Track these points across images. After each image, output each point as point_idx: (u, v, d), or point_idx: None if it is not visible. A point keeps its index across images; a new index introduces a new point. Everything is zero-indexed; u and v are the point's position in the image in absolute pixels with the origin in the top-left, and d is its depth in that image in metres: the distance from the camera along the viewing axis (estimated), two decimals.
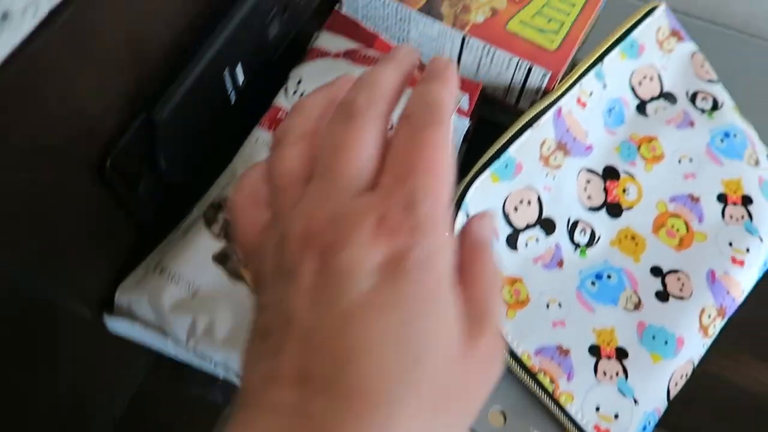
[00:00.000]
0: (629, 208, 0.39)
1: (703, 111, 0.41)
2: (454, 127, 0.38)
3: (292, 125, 0.21)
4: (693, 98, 0.42)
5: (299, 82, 0.35)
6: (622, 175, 0.39)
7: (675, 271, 0.38)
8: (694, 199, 0.39)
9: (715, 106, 0.41)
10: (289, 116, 0.21)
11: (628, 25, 0.41)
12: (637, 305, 0.37)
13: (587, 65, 0.39)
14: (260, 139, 0.33)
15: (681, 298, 0.37)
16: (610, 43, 0.40)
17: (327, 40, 0.37)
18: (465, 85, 0.37)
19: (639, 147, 0.40)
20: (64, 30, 0.22)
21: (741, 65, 0.50)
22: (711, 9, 0.61)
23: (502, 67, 0.39)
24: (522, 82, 0.39)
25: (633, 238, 0.39)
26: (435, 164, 0.18)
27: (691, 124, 0.41)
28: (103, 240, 0.31)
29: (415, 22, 0.40)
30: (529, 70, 0.38)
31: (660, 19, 0.41)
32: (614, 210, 0.39)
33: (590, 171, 0.39)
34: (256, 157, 0.32)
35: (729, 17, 0.61)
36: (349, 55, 0.36)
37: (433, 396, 0.17)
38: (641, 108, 0.41)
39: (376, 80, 0.20)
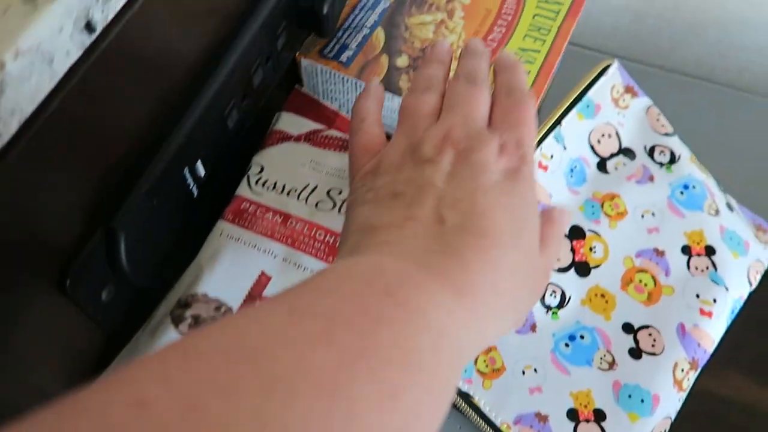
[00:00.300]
0: (597, 266, 0.40)
1: (661, 165, 0.42)
2: None
3: (426, 77, 0.29)
4: (651, 152, 0.43)
5: (261, 170, 0.35)
6: (588, 234, 0.40)
7: (646, 327, 0.38)
8: (659, 253, 0.40)
9: (673, 159, 0.42)
10: (422, 70, 0.30)
11: (583, 86, 0.42)
12: (612, 364, 0.37)
13: (546, 129, 0.40)
14: (224, 232, 0.33)
15: (653, 354, 0.37)
16: (566, 105, 0.41)
17: (288, 122, 0.38)
18: None
19: (602, 205, 0.41)
20: (24, 152, 0.22)
21: (695, 109, 0.52)
22: (663, 55, 0.64)
23: None
24: None
25: (603, 295, 0.39)
26: (532, 122, 0.28)
27: (651, 178, 0.42)
28: (67, 348, 0.30)
29: None
30: None
31: (613, 77, 0.43)
32: (582, 269, 0.40)
33: None
34: (221, 251, 0.32)
35: (681, 63, 0.64)
36: (310, 137, 0.37)
37: (527, 256, 0.25)
38: (601, 165, 0.42)
39: (479, 64, 0.30)
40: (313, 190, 0.34)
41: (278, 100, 0.41)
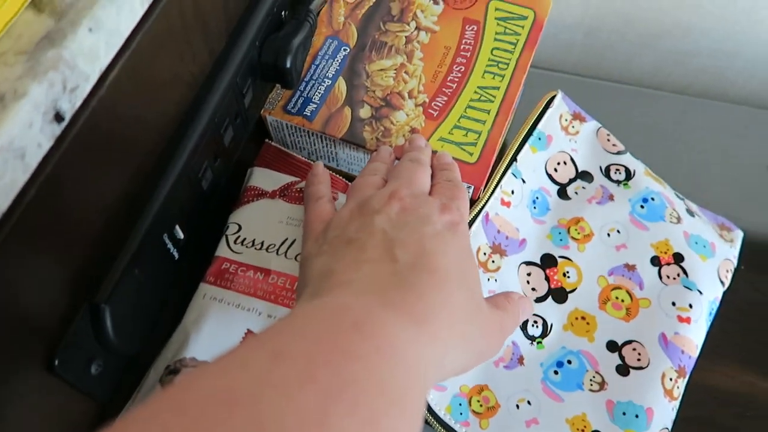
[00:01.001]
0: (573, 290, 0.41)
1: (618, 182, 0.44)
2: None
3: (372, 167, 0.35)
4: (607, 172, 0.44)
5: (239, 229, 0.35)
6: (559, 260, 0.41)
7: (629, 342, 0.39)
8: (630, 268, 0.41)
9: (629, 175, 0.44)
10: (368, 164, 0.36)
11: (532, 120, 0.43)
12: (602, 384, 0.38)
13: (503, 168, 0.41)
14: (207, 294, 0.33)
15: (640, 368, 0.38)
16: (519, 141, 0.43)
17: (261, 177, 0.39)
18: None
19: (568, 230, 0.42)
20: (4, 245, 0.22)
21: (653, 118, 0.53)
22: (620, 68, 0.66)
23: None
24: None
25: (583, 318, 0.40)
26: (466, 200, 0.33)
27: (611, 197, 0.43)
28: (61, 423, 0.30)
29: (342, 147, 0.42)
30: None
31: (560, 107, 0.44)
32: (559, 295, 0.41)
33: (529, 263, 0.41)
34: (205, 314, 0.32)
35: (639, 74, 0.66)
36: (285, 192, 0.37)
37: (473, 297, 0.28)
38: (562, 192, 0.44)
39: (422, 152, 0.36)
40: (291, 244, 0.34)
41: (248, 154, 0.41)
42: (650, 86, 0.66)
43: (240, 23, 0.37)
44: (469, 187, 0.40)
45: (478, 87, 0.43)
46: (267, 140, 0.41)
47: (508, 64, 0.44)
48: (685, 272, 0.41)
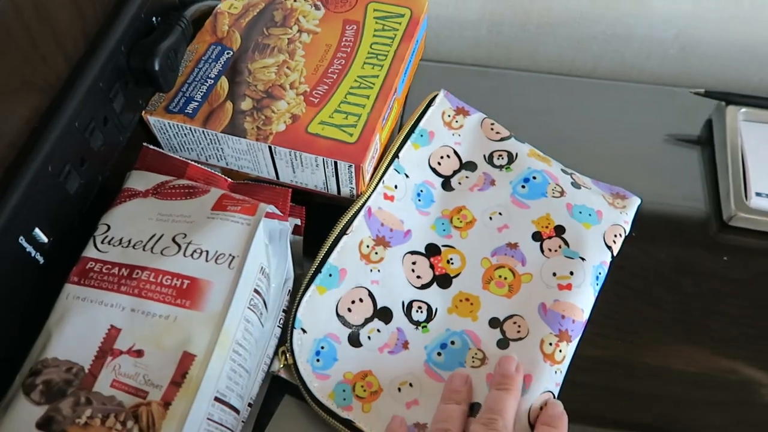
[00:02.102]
0: (457, 275, 0.41)
1: (501, 167, 0.45)
2: (278, 229, 0.39)
3: (452, 397, 0.36)
4: (490, 159, 0.46)
5: (107, 230, 0.35)
6: (443, 249, 0.42)
7: (510, 317, 0.40)
8: (512, 246, 0.42)
9: (511, 159, 0.45)
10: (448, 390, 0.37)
11: (414, 118, 0.45)
12: (483, 360, 0.38)
13: (384, 165, 0.43)
14: (71, 294, 0.33)
15: (519, 339, 0.39)
16: (400, 140, 0.44)
17: (137, 179, 0.39)
18: (274, 194, 0.39)
19: (451, 220, 0.43)
20: None
21: (562, 102, 0.55)
22: (526, 58, 0.68)
23: (312, 167, 0.42)
24: (334, 175, 0.42)
25: (467, 299, 0.41)
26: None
27: (493, 183, 0.44)
28: None
29: (225, 141, 0.42)
30: (335, 164, 0.41)
31: (442, 104, 0.46)
32: (444, 281, 0.41)
33: (414, 253, 0.42)
34: (68, 313, 0.32)
35: (545, 62, 0.68)
36: (157, 190, 0.38)
37: None
38: (446, 184, 0.45)
39: (513, 382, 0.36)
40: (159, 239, 0.35)
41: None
42: (559, 73, 0.68)
43: (101, 29, 0.37)
44: (350, 165, 0.40)
45: (358, 76, 0.44)
46: (145, 144, 0.41)
47: (386, 56, 0.45)
48: (566, 243, 0.42)
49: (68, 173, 0.35)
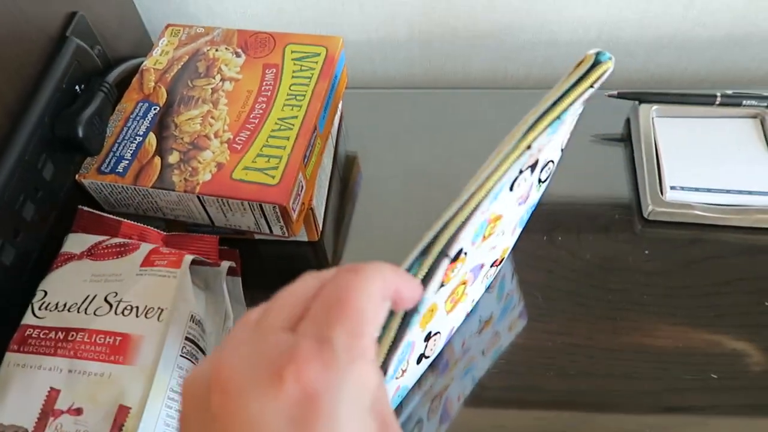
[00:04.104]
0: None
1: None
2: (212, 275, 0.42)
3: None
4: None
5: (45, 295, 0.38)
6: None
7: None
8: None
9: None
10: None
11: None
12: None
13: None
14: (11, 362, 0.35)
15: None
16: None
17: (73, 242, 0.41)
18: (204, 242, 0.42)
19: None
20: None
21: (483, 115, 0.58)
22: (460, 72, 0.70)
23: (241, 210, 0.44)
24: (263, 216, 0.44)
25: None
26: (355, 317, 0.19)
27: (526, 199, 0.38)
28: None
29: (156, 195, 0.44)
30: (261, 207, 0.43)
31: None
32: None
33: None
34: (10, 380, 0.34)
35: (480, 74, 0.70)
36: (92, 251, 0.40)
37: None
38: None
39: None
40: (92, 300, 0.37)
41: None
42: (494, 85, 0.70)
43: (23, 104, 0.40)
44: (275, 206, 0.42)
45: (278, 119, 0.46)
46: (80, 206, 0.43)
47: (304, 96, 0.48)
48: None
49: (2, 247, 0.37)
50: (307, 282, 0.22)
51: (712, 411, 0.42)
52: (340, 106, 0.58)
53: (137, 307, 0.36)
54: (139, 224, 0.43)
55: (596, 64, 0.32)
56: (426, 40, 0.67)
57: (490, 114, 0.58)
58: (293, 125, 0.46)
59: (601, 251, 0.49)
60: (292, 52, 0.50)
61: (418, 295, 0.26)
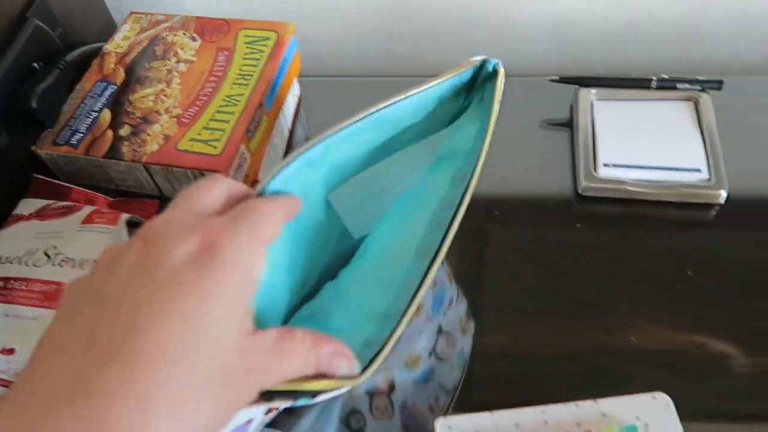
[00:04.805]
0: None
1: None
2: None
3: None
4: None
5: None
6: None
7: None
8: None
9: None
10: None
11: None
12: None
13: None
14: None
15: None
16: None
17: (24, 206, 0.44)
18: (144, 205, 0.44)
19: None
20: None
21: None
22: (423, 63, 0.73)
23: (185, 180, 0.47)
24: None
25: None
26: (263, 212, 0.25)
27: None
28: None
29: (107, 165, 0.47)
30: (202, 174, 0.46)
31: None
32: None
33: None
34: None
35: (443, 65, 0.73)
36: (40, 213, 0.43)
37: (207, 370, 0.21)
38: None
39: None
40: (34, 254, 0.39)
41: None
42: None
43: None
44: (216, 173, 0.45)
45: (226, 96, 0.49)
46: (35, 174, 0.46)
47: (252, 75, 0.51)
48: None
49: None
50: (223, 188, 0.26)
51: (632, 376, 0.43)
52: (297, 92, 0.60)
53: (74, 260, 0.39)
54: (88, 190, 0.46)
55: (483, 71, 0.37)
56: (387, 34, 0.70)
57: None
58: (239, 101, 0.49)
59: (535, 226, 0.51)
60: (244, 36, 0.53)
61: (298, 203, 0.29)
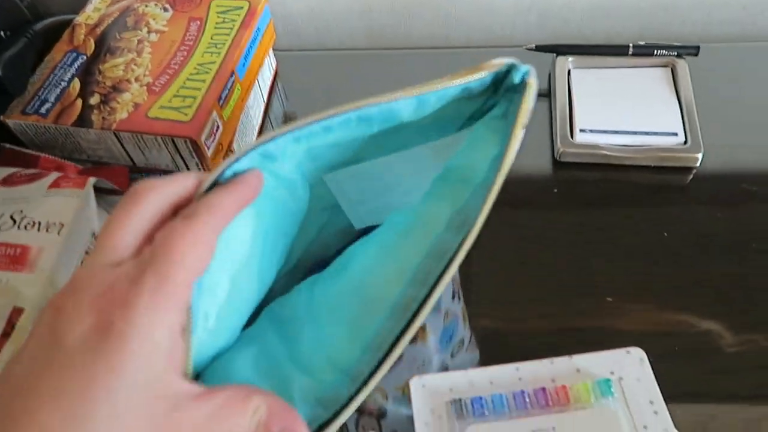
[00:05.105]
0: None
1: None
2: None
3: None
4: None
5: None
6: None
7: None
8: None
9: None
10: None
11: None
12: None
13: None
14: None
15: None
16: None
17: None
18: (114, 171, 0.44)
19: None
20: None
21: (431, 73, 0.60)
22: (405, 38, 0.73)
23: (156, 147, 0.46)
24: (177, 152, 0.46)
25: None
26: (178, 248, 0.21)
27: None
28: None
29: (77, 134, 0.47)
30: (173, 141, 0.45)
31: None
32: None
33: None
34: None
35: (420, 39, 0.73)
36: (7, 179, 0.42)
37: None
38: None
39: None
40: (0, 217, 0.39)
41: None
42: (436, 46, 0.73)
43: None
44: (186, 140, 0.44)
45: (197, 64, 0.49)
46: (4, 144, 0.46)
47: (224, 44, 0.50)
48: None
49: None
50: (141, 213, 0.23)
51: (608, 336, 0.43)
52: (273, 63, 0.60)
53: (39, 223, 0.38)
54: (58, 159, 0.45)
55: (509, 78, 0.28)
56: (365, 9, 0.70)
57: (431, 73, 0.60)
58: (210, 69, 0.48)
59: (513, 192, 0.51)
60: (216, 6, 0.53)
61: (260, 179, 0.26)
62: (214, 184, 0.25)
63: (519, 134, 0.27)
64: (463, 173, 0.29)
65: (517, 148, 0.27)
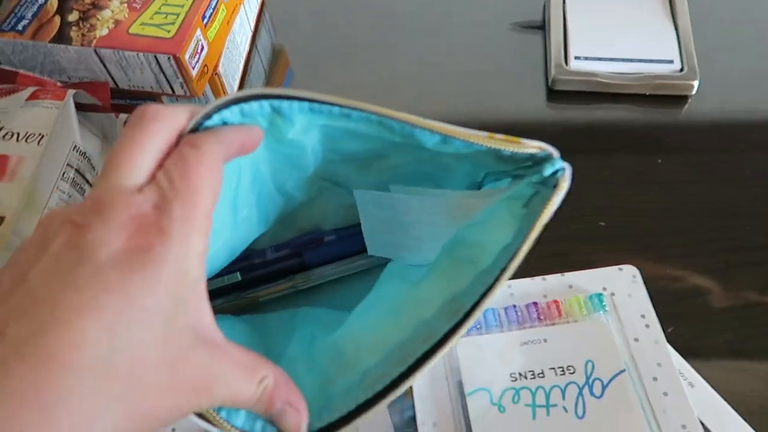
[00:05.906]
0: None
1: None
2: (105, 121, 0.42)
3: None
4: None
5: None
6: None
7: None
8: None
9: None
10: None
11: None
12: None
13: None
14: None
15: None
16: None
17: None
18: (94, 86, 0.42)
19: None
20: None
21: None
22: None
23: (139, 66, 0.44)
24: (161, 72, 0.45)
25: None
26: (189, 173, 0.21)
27: None
28: None
29: (56, 52, 0.45)
30: (156, 58, 0.43)
31: None
32: None
33: None
34: None
35: None
36: None
37: (125, 384, 0.19)
38: None
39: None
40: None
41: None
42: None
43: None
44: (170, 57, 0.43)
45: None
46: None
47: None
48: None
49: None
50: (155, 138, 0.22)
51: (601, 258, 0.42)
52: None
53: (18, 133, 0.37)
54: (37, 75, 0.43)
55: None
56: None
57: (428, 20, 0.58)
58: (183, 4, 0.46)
59: (507, 120, 0.50)
60: None
61: (260, 136, 0.25)
62: (218, 110, 0.23)
63: (534, 235, 0.25)
64: (472, 253, 0.28)
65: (529, 247, 0.25)
